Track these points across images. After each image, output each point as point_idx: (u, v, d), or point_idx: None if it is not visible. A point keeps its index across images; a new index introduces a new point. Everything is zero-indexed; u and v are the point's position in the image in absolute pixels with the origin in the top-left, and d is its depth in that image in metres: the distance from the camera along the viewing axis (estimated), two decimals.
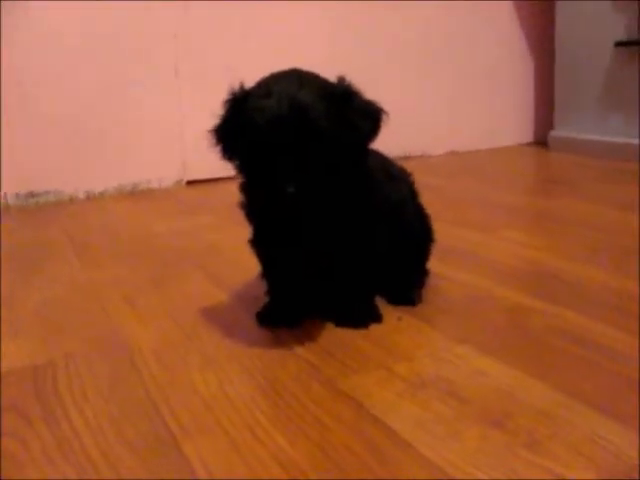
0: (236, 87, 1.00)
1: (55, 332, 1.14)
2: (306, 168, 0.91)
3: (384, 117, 1.00)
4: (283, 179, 0.90)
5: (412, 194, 1.22)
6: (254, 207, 0.99)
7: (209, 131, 1.01)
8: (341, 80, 0.99)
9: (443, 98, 2.97)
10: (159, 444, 0.77)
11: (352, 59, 2.64)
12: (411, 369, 0.92)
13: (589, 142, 2.80)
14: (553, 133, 3.00)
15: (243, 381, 0.92)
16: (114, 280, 1.39)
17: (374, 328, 1.07)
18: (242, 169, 0.99)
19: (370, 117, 0.99)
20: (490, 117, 3.10)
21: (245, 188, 1.02)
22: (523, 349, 0.98)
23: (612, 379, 0.87)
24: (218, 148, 1.01)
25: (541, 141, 3.14)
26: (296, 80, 0.95)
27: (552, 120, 3.01)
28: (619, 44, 2.66)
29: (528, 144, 3.19)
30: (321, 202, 0.93)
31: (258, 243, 1.09)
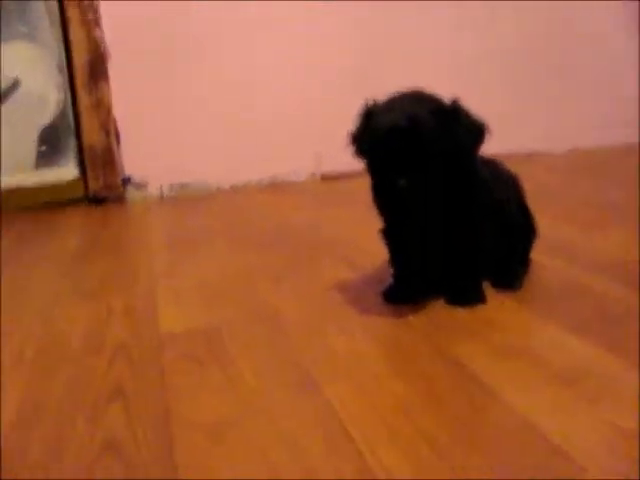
0: (369, 101, 1.24)
1: (214, 303, 1.40)
2: (414, 167, 1.14)
3: (486, 133, 1.22)
4: (395, 174, 1.14)
5: (517, 194, 1.42)
6: (375, 199, 1.21)
7: (348, 135, 1.25)
8: (454, 100, 1.21)
9: (563, 96, 3.05)
10: (306, 387, 1.01)
11: (472, 65, 2.81)
12: (505, 340, 1.13)
13: None
14: None
15: (369, 344, 1.16)
16: (261, 263, 1.65)
17: (479, 307, 1.28)
18: (368, 167, 1.22)
19: (473, 133, 1.21)
20: (612, 112, 3.15)
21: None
22: (605, 330, 1.15)
23: None
24: (352, 149, 1.25)
25: None
26: (414, 99, 1.20)
27: None
28: None
29: None
30: (427, 196, 1.16)
31: (387, 233, 1.32)
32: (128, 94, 2.46)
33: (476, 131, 1.22)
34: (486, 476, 0.77)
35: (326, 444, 0.86)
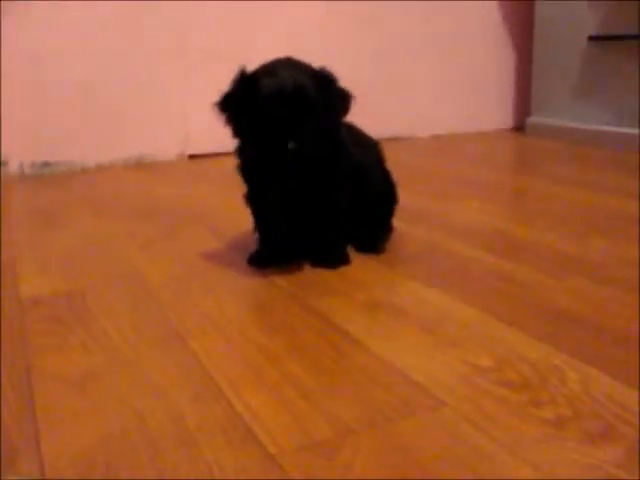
0: (242, 68, 1.24)
1: (79, 269, 1.37)
2: (302, 131, 1.18)
3: (353, 101, 1.27)
4: (285, 138, 1.17)
5: (379, 160, 1.46)
6: (256, 165, 1.24)
7: (215, 103, 1.25)
8: (323, 68, 1.25)
9: (427, 85, 3.17)
10: (172, 342, 1.01)
11: (345, 48, 2.86)
12: (368, 295, 1.17)
13: (563, 128, 3.01)
14: (530, 119, 3.22)
15: (235, 302, 1.17)
16: (127, 232, 1.63)
17: (343, 268, 1.31)
18: (246, 133, 1.24)
19: (344, 99, 1.27)
20: (472, 103, 3.31)
21: (243, 151, 1.27)
22: (462, 284, 1.21)
23: (518, 302, 1.13)
24: (224, 116, 1.25)
25: (519, 127, 3.35)
26: (293, 66, 1.23)
27: (530, 107, 3.23)
28: (592, 38, 2.88)
29: (507, 129, 3.40)
30: (311, 158, 1.20)
31: (252, 198, 1.33)
32: None
33: (346, 97, 1.27)
34: (352, 413, 0.80)
35: (193, 392, 0.87)
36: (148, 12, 2.57)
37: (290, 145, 1.17)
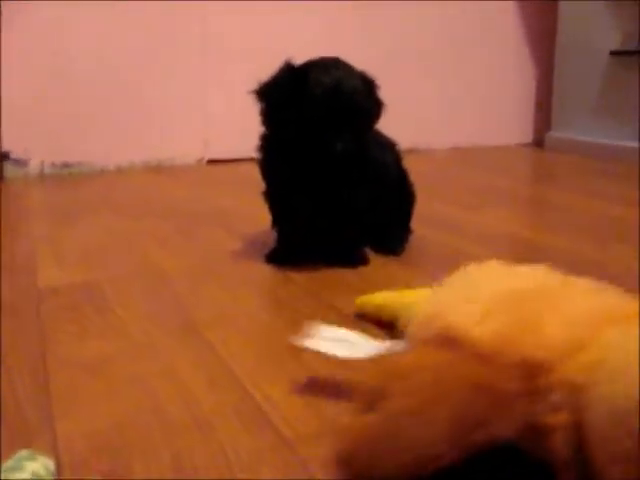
0: (288, 60, 1.25)
1: (97, 262, 1.38)
2: (351, 134, 1.19)
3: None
4: (334, 139, 1.18)
5: (397, 160, 1.46)
6: (291, 160, 1.24)
7: (255, 90, 1.25)
8: (366, 73, 1.27)
9: (447, 97, 3.17)
10: (188, 332, 1.01)
11: (359, 55, 2.86)
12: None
13: (583, 143, 3.00)
14: (550, 134, 3.21)
15: (252, 296, 1.18)
16: (145, 230, 1.63)
17: (361, 268, 1.31)
18: (287, 128, 1.23)
19: (379, 107, 1.29)
20: (491, 117, 3.30)
21: (268, 145, 1.28)
22: None
23: None
24: (262, 105, 1.25)
25: (539, 142, 3.34)
26: (343, 67, 1.24)
27: (550, 122, 3.23)
28: (613, 53, 2.88)
29: (526, 144, 3.39)
30: (353, 159, 1.22)
31: (272, 195, 1.33)
32: (10, 66, 2.38)
33: (382, 105, 1.30)
34: None
35: (208, 378, 0.86)
36: (168, 16, 2.58)
37: (339, 146, 1.18)
